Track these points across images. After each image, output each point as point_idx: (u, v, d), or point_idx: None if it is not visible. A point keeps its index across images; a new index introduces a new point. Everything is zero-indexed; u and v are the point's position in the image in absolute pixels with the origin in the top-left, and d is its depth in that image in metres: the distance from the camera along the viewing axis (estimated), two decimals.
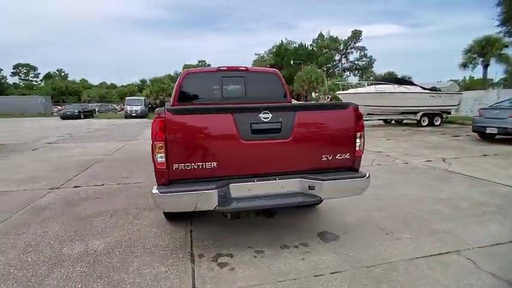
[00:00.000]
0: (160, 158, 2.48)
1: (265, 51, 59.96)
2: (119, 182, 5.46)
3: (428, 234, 3.19)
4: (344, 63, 64.53)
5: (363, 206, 4.06)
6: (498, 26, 22.82)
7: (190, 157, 2.53)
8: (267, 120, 2.61)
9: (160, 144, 2.46)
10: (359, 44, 62.51)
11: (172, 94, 4.35)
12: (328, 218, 3.75)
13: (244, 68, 4.41)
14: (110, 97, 61.11)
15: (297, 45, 58.82)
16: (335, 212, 3.88)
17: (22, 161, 7.54)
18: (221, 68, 4.34)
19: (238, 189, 2.65)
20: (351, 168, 2.89)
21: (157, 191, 2.45)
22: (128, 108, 29.24)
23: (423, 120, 15.98)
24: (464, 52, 28.64)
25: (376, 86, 16.50)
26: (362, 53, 62.88)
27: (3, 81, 65.07)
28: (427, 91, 16.12)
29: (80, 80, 74.50)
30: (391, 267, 2.58)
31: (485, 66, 27.95)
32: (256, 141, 2.61)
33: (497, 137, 9.82)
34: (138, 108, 29.02)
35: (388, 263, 2.66)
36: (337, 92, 17.98)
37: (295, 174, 2.76)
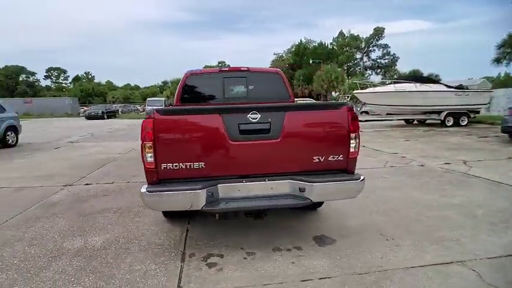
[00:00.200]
0: (150, 157, 2.52)
1: (284, 51, 59.59)
2: (128, 180, 5.61)
3: (432, 242, 3.01)
4: (365, 62, 62.88)
5: (367, 210, 3.91)
6: None
7: (179, 157, 2.54)
8: (255, 120, 2.57)
9: (150, 144, 2.49)
10: (381, 42, 60.70)
11: (175, 95, 4.42)
12: (328, 221, 3.64)
13: (246, 69, 4.39)
14: (133, 98, 63.25)
15: (316, 44, 58.03)
16: (337, 215, 3.77)
17: (43, 159, 7.96)
18: (223, 69, 4.35)
19: (227, 190, 2.63)
20: (345, 170, 2.78)
21: (144, 190, 2.49)
22: (149, 108, 30.07)
23: (448, 120, 15.21)
24: (497, 47, 26.93)
25: (396, 84, 15.90)
26: (384, 51, 60.98)
27: (36, 84, 69.42)
28: (452, 89, 15.31)
29: (106, 82, 77.94)
30: (384, 276, 2.46)
31: None
32: (244, 141, 2.58)
33: None
34: None
35: (383, 270, 2.54)
36: (354, 92, 17.54)
37: (286, 175, 2.70)
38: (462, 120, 15.37)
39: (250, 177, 2.68)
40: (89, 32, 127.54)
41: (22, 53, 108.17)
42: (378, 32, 60.15)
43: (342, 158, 2.73)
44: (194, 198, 2.47)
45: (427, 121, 16.66)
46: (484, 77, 21.55)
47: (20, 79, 69.04)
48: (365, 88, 17.63)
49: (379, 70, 62.31)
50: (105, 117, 30.26)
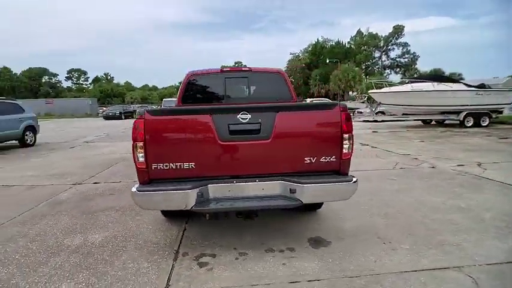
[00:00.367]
0: (141, 157, 2.56)
1: (301, 51, 59.20)
2: (135, 179, 5.63)
3: (432, 246, 2.90)
4: (384, 61, 61.49)
5: (368, 212, 3.82)
6: None
7: (169, 157, 2.57)
8: (245, 121, 2.57)
9: (141, 144, 2.54)
10: (401, 40, 59.15)
11: (177, 95, 4.47)
12: (327, 222, 3.58)
13: (247, 69, 4.39)
14: (151, 99, 64.66)
15: (333, 43, 57.27)
16: (336, 217, 3.70)
17: (58, 158, 8.28)
18: (224, 69, 4.36)
19: (217, 190, 2.63)
20: (338, 171, 2.72)
21: (135, 190, 2.53)
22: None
23: (467, 121, 14.59)
24: None
25: (412, 84, 15.42)
26: (404, 50, 59.42)
27: (58, 85, 72.38)
28: (473, 88, 14.66)
29: (124, 83, 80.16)
30: (375, 280, 2.39)
31: None
32: (234, 142, 2.58)
33: None
34: None
35: (374, 274, 2.47)
36: (369, 91, 17.16)
37: (277, 176, 2.67)
38: (483, 121, 14.69)
39: (241, 177, 2.67)
40: (108, 33, 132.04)
41: (44, 55, 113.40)
42: (398, 30, 58.68)
43: (334, 159, 2.68)
44: (184, 198, 2.50)
45: (446, 122, 16.06)
46: (510, 76, 20.49)
47: (43, 80, 72.40)
48: (381, 88, 17.20)
49: (398, 69, 60.81)
50: (123, 117, 31.10)
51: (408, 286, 2.30)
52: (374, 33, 59.14)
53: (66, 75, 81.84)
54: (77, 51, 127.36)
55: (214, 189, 2.63)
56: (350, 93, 48.17)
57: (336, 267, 2.59)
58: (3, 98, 10.54)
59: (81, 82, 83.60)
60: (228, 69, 4.38)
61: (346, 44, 58.70)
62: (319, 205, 3.72)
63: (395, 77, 54.72)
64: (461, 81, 16.38)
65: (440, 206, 4.00)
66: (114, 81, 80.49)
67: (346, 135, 2.65)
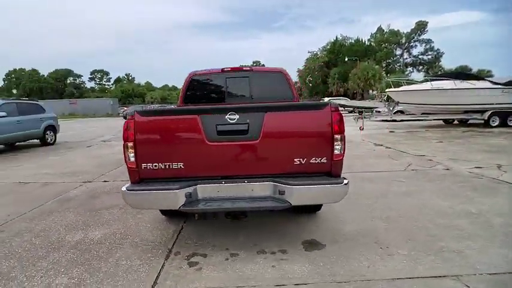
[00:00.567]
0: (132, 157, 2.61)
1: (319, 49, 58.27)
2: None
3: (431, 253, 2.76)
4: (406, 58, 59.54)
5: (370, 215, 3.70)
6: None
7: (158, 157, 2.61)
8: (233, 121, 2.55)
9: (131, 144, 2.58)
10: (424, 37, 56.99)
11: (179, 95, 4.52)
12: (325, 225, 3.50)
13: (248, 68, 4.38)
14: (170, 99, 66.02)
15: (352, 41, 55.97)
16: (335, 219, 3.61)
17: (74, 156, 8.63)
18: (225, 69, 4.36)
19: (206, 191, 2.64)
20: (329, 173, 2.65)
21: (125, 189, 2.58)
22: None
23: (492, 120, 13.84)
24: None
25: (432, 82, 14.79)
26: (427, 46, 57.22)
27: (82, 86, 75.47)
28: (499, 86, 13.87)
29: (145, 83, 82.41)
30: (365, 286, 2.31)
31: None
32: (222, 142, 2.57)
33: None
34: None
35: (365, 280, 2.38)
36: (387, 90, 16.65)
37: (266, 177, 2.64)
38: (510, 120, 13.89)
39: (230, 178, 2.66)
40: (130, 35, 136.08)
41: (69, 57, 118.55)
42: (421, 27, 56.62)
43: (325, 161, 2.60)
44: (172, 198, 2.52)
45: (469, 121, 15.32)
46: None
47: (68, 81, 75.73)
48: (400, 86, 16.63)
49: (421, 67, 58.67)
50: None
51: None
52: (395, 30, 57.40)
53: (90, 76, 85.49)
54: (99, 53, 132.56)
55: (203, 190, 2.63)
56: (370, 91, 46.97)
57: (325, 272, 2.52)
58: (26, 98, 11.10)
59: (104, 83, 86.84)
60: (229, 69, 4.37)
61: (366, 42, 57.11)
62: (318, 207, 3.64)
63: (417, 75, 52.92)
64: (487, 78, 15.53)
65: (448, 210, 3.81)
66: (135, 82, 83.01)
67: (337, 136, 2.57)
